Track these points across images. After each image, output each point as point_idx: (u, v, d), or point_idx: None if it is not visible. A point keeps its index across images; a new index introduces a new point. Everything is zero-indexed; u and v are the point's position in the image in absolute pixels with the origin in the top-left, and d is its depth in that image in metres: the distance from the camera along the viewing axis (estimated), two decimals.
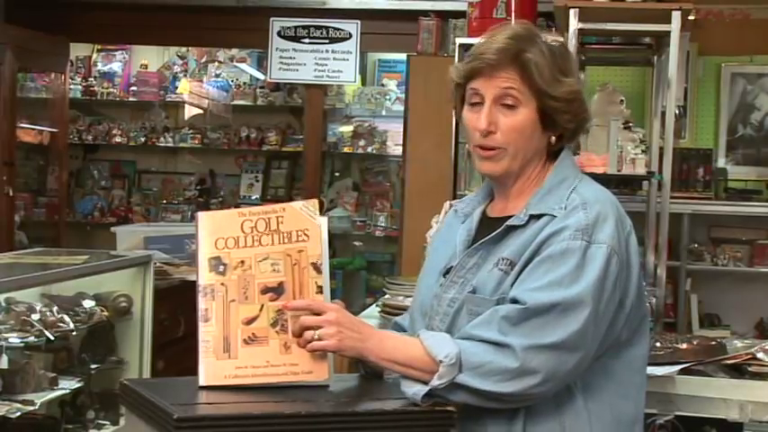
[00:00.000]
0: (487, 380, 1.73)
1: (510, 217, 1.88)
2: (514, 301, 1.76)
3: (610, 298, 1.77)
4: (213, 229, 1.86)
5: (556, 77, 1.85)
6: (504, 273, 1.81)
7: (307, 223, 1.85)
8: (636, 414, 1.90)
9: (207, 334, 1.84)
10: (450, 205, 2.19)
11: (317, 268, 1.84)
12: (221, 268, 1.84)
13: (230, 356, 1.83)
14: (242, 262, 1.85)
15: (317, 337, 1.78)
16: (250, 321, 1.84)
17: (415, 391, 1.74)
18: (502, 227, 1.86)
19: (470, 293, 1.85)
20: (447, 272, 1.92)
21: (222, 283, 1.84)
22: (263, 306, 1.84)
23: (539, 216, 1.83)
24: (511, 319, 1.74)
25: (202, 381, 1.83)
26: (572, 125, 1.90)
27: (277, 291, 1.84)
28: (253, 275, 1.84)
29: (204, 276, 1.85)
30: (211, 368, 1.83)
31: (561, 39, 2.01)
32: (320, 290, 1.84)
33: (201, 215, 1.89)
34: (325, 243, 1.86)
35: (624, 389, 1.86)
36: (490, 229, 1.89)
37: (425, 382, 1.74)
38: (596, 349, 1.79)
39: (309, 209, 1.86)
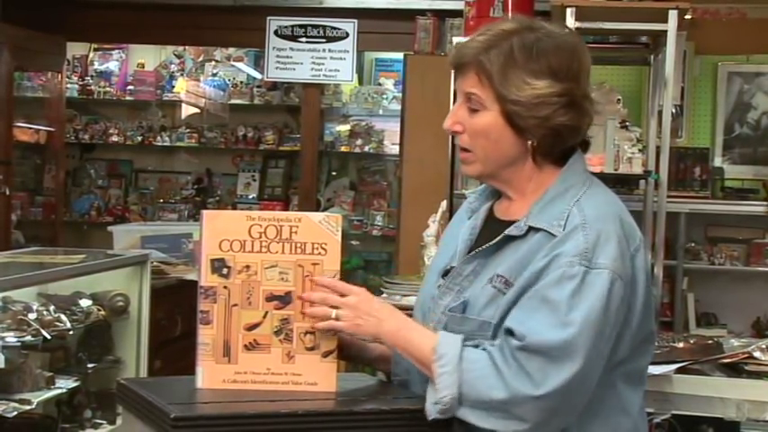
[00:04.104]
0: (480, 411, 1.68)
1: (512, 222, 1.80)
2: (509, 331, 1.69)
3: (614, 323, 1.70)
4: (218, 230, 1.82)
5: (521, 80, 1.77)
6: (497, 290, 1.75)
7: (326, 237, 1.82)
8: (634, 428, 1.83)
9: (206, 337, 1.81)
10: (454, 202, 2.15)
11: None
12: (225, 271, 1.81)
13: (230, 361, 1.81)
14: (247, 267, 1.81)
15: (334, 316, 1.79)
16: (252, 327, 1.82)
17: (428, 406, 1.72)
18: (500, 236, 1.79)
19: (452, 313, 1.80)
20: (446, 272, 1.87)
21: (225, 287, 1.81)
22: (266, 313, 1.82)
23: (538, 229, 1.76)
24: (507, 356, 1.67)
25: (200, 384, 1.82)
26: (542, 131, 1.79)
27: (284, 300, 1.82)
28: (258, 281, 1.82)
29: (206, 278, 1.81)
30: (210, 371, 1.82)
31: (565, 33, 1.92)
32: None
33: (207, 213, 1.84)
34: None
35: (621, 402, 1.79)
36: (492, 233, 1.82)
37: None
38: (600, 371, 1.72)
39: (331, 223, 1.83)
